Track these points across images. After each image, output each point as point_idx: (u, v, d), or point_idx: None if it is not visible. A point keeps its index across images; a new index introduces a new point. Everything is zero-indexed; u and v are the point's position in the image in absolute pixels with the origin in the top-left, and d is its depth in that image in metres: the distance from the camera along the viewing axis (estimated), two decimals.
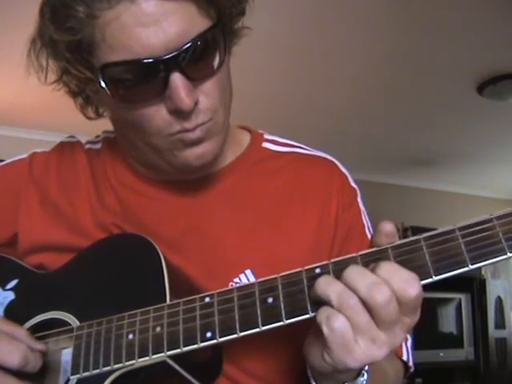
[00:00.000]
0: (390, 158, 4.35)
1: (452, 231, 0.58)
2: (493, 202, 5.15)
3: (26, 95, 2.99)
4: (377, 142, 3.98)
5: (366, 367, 0.65)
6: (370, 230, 0.85)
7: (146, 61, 0.65)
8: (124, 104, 0.70)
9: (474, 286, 4.43)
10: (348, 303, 0.55)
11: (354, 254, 0.60)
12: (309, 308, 0.59)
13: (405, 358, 0.81)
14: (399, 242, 0.59)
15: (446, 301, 4.42)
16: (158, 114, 0.69)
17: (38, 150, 0.89)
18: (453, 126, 3.64)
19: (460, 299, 4.41)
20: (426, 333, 4.15)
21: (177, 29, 0.65)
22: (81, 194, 0.83)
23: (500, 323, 4.59)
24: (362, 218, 0.86)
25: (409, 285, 0.55)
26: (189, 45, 0.66)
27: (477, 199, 5.05)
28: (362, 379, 0.65)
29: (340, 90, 3.11)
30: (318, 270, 0.60)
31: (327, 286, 0.56)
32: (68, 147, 0.89)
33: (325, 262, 0.60)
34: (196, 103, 0.69)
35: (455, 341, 4.34)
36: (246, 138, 0.88)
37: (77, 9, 0.64)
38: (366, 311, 0.55)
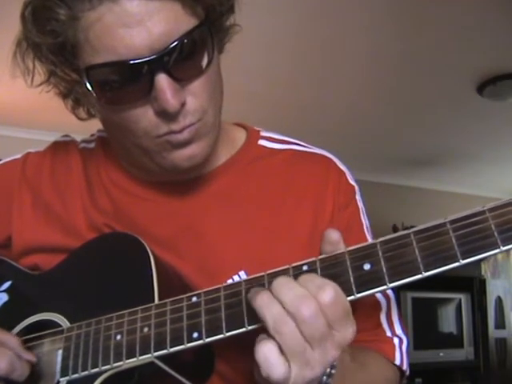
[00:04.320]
0: (390, 158, 4.34)
1: (443, 225, 0.55)
2: (493, 201, 5.13)
3: (26, 95, 2.98)
4: (377, 142, 3.97)
5: (325, 379, 0.61)
6: (368, 229, 0.84)
7: (130, 62, 0.63)
8: (110, 106, 0.69)
9: (474, 285, 4.42)
10: (282, 329, 0.54)
11: (341, 251, 0.59)
12: None
13: (397, 362, 0.79)
14: (389, 236, 0.58)
15: (446, 301, 4.41)
16: (144, 116, 0.68)
17: (32, 150, 0.89)
18: (453, 125, 3.63)
19: (460, 299, 4.41)
20: (426, 333, 4.15)
21: (161, 28, 0.63)
22: (74, 194, 0.83)
23: (500, 323, 4.59)
24: (359, 217, 0.84)
25: (321, 290, 0.54)
26: (174, 45, 0.64)
27: (477, 199, 5.04)
28: None
29: (341, 91, 3.11)
30: (305, 267, 0.59)
31: (264, 309, 0.55)
32: (62, 147, 0.88)
33: (312, 259, 0.59)
34: (183, 104, 0.67)
35: (455, 341, 4.33)
36: (241, 135, 0.87)
37: (58, 11, 0.63)
38: (301, 335, 0.54)
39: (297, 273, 0.59)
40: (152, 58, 0.64)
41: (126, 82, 0.66)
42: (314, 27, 2.46)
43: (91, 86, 0.67)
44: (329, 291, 0.54)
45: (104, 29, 0.63)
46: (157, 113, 0.67)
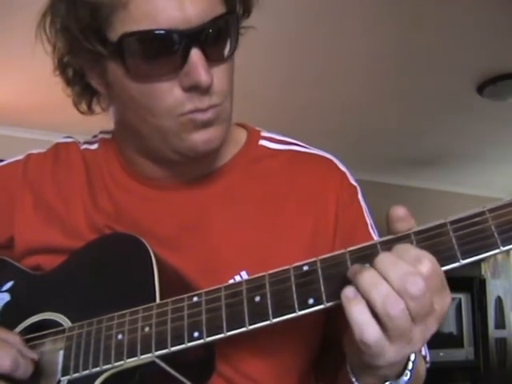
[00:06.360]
0: (391, 158, 4.34)
1: (444, 225, 0.56)
2: (494, 202, 5.13)
3: (26, 95, 2.98)
4: (377, 142, 3.97)
5: (410, 366, 0.62)
6: (373, 228, 0.84)
7: (169, 31, 0.65)
8: (137, 79, 0.69)
9: (474, 285, 4.42)
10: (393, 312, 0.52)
11: (342, 251, 0.59)
12: (296, 306, 0.58)
13: (423, 353, 0.80)
14: (390, 237, 0.58)
15: None
16: (170, 93, 0.69)
17: (34, 152, 0.89)
18: (453, 125, 3.63)
19: (460, 299, 4.41)
20: None
21: (199, 6, 0.66)
22: (75, 195, 0.83)
23: (500, 323, 4.59)
24: (364, 216, 0.84)
25: (418, 263, 0.53)
26: (210, 22, 0.67)
27: (477, 199, 5.04)
28: (405, 379, 0.62)
29: (341, 91, 3.11)
30: (305, 268, 0.59)
31: (371, 287, 0.52)
32: (63, 148, 0.88)
33: (313, 259, 0.59)
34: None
35: (455, 341, 4.33)
36: (242, 135, 0.87)
37: None
38: (409, 314, 0.52)
39: (297, 273, 0.59)
40: (190, 31, 0.66)
41: (160, 53, 0.67)
42: (313, 27, 2.46)
43: (122, 57, 0.67)
44: (427, 263, 0.53)
45: None
46: (185, 89, 0.69)
